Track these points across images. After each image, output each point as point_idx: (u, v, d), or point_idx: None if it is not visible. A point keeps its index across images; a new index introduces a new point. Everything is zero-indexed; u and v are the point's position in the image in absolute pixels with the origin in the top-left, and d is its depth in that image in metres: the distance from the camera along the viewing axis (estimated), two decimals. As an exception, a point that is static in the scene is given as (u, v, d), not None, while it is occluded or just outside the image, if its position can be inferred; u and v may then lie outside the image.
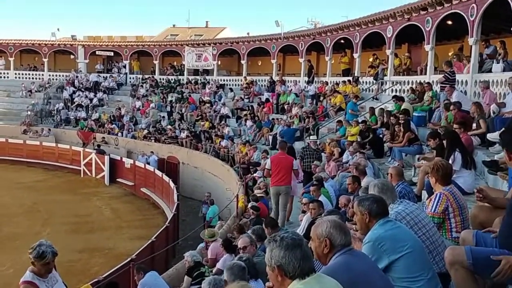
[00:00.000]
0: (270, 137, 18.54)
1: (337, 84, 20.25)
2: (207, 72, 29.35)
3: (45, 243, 4.26)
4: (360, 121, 13.71)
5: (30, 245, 13.79)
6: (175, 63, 31.24)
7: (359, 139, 12.56)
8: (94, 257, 14.20)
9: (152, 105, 26.77)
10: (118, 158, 22.87)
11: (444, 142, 7.07)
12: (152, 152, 22.41)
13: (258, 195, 12.21)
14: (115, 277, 9.79)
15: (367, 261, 3.01)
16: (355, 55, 20.14)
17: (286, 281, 2.37)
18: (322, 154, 13.13)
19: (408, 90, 15.22)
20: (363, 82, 19.60)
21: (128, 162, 22.30)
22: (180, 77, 29.90)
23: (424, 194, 6.74)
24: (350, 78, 19.68)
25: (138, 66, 32.47)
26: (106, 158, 22.50)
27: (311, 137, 13.91)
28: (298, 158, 12.42)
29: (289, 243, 2.39)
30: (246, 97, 24.62)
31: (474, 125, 8.74)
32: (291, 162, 9.68)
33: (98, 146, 24.10)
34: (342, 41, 21.39)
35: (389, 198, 4.03)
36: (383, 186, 4.16)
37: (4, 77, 32.74)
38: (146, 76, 30.95)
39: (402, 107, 12.73)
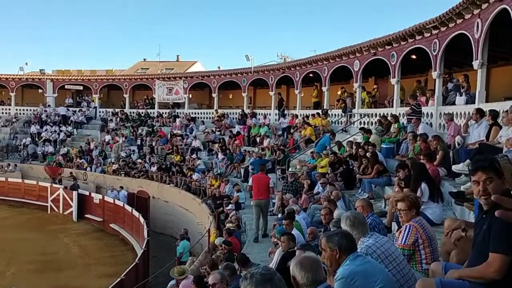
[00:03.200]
0: (242, 170, 18.55)
1: (307, 116, 20.55)
2: (178, 105, 29.38)
3: None
4: (329, 153, 13.88)
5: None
6: (146, 97, 31.14)
7: (329, 171, 12.68)
8: (62, 297, 13.73)
9: (118, 138, 26.44)
10: (87, 193, 22.38)
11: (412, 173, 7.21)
12: (121, 187, 22.04)
13: (231, 228, 12.10)
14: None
15: None
16: (324, 89, 20.54)
17: None
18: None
19: (375, 122, 15.55)
20: (332, 114, 19.95)
21: (97, 197, 21.84)
22: (150, 110, 29.81)
23: (394, 225, 6.81)
24: (320, 111, 19.99)
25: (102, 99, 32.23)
26: (74, 193, 21.99)
27: (290, 169, 14.00)
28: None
29: (258, 279, 2.39)
30: (217, 129, 24.69)
31: (437, 157, 8.95)
32: (268, 181, 11.90)
33: (74, 180, 23.63)
34: (311, 74, 21.83)
35: (360, 231, 4.04)
36: (355, 219, 4.14)
37: (-31, 111, 31.99)
38: (116, 110, 30.72)
39: (370, 139, 12.97)
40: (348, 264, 3.32)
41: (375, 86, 19.55)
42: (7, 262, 16.39)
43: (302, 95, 22.69)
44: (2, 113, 31.99)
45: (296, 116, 21.28)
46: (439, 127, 12.71)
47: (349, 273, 3.25)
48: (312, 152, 15.32)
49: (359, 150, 12.01)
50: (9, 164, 26.52)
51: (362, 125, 16.50)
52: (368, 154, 11.09)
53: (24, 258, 16.69)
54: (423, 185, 6.62)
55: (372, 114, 17.12)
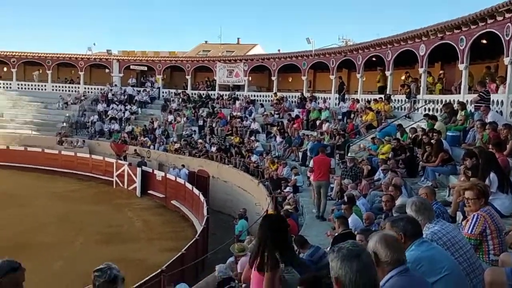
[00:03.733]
0: (300, 153, 18.59)
1: (369, 101, 20.20)
2: (238, 87, 29.71)
3: (114, 267, 3.81)
4: (391, 139, 13.64)
5: (62, 254, 14.08)
6: (207, 79, 31.71)
7: (390, 157, 12.49)
8: (125, 268, 14.34)
9: (181, 119, 27.18)
10: (150, 170, 23.28)
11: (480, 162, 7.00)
12: (183, 165, 22.74)
13: (289, 210, 12.26)
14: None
15: (425, 286, 2.88)
16: (387, 73, 20.08)
17: None
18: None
19: (441, 109, 15.07)
20: (395, 100, 19.50)
21: (159, 174, 22.68)
22: (211, 92, 30.34)
23: (459, 215, 6.68)
24: (382, 96, 19.60)
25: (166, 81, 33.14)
26: (138, 170, 22.94)
27: (349, 154, 13.91)
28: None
29: (345, 253, 2.30)
30: (276, 113, 24.78)
31: (507, 147, 8.61)
32: (329, 162, 12.33)
33: (142, 157, 24.69)
34: (374, 58, 21.38)
35: (426, 217, 3.95)
36: (421, 204, 4.02)
37: (42, 89, 33.89)
38: (179, 91, 31.52)
39: (435, 126, 12.61)
40: (414, 249, 3.27)
41: (441, 72, 18.88)
42: (76, 232, 17.34)
43: (364, 79, 22.29)
44: (72, 91, 33.64)
45: (357, 100, 20.95)
46: (510, 115, 12.16)
47: (414, 259, 3.20)
48: (373, 138, 15.11)
49: (424, 137, 11.72)
50: (77, 140, 27.98)
51: (426, 112, 16.04)
52: (432, 142, 10.81)
53: (91, 229, 17.61)
54: (492, 175, 6.41)
55: (437, 100, 16.59)
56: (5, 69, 34.06)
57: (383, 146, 13.82)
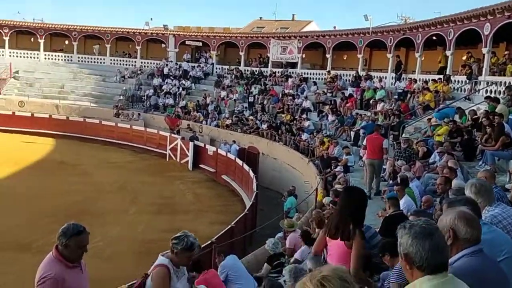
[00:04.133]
0: (352, 133, 18.31)
1: (426, 82, 19.52)
2: (291, 65, 29.47)
3: (191, 235, 3.94)
4: (449, 120, 13.18)
5: (119, 221, 14.73)
6: (260, 55, 31.63)
7: (443, 140, 12.09)
8: (175, 238, 14.89)
9: (233, 96, 27.38)
10: (202, 145, 23.70)
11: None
12: (234, 141, 22.99)
13: (338, 189, 12.16)
14: (196, 257, 10.19)
15: (499, 269, 2.78)
16: (448, 53, 19.29)
17: (415, 271, 2.25)
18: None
19: (503, 92, 14.36)
20: (455, 81, 18.74)
21: (211, 149, 23.06)
22: (264, 69, 30.28)
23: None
24: (442, 76, 18.87)
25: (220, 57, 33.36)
26: (191, 144, 23.42)
27: (403, 135, 13.58)
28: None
29: (417, 231, 2.25)
30: (329, 91, 24.44)
31: None
32: (381, 141, 12.05)
33: (193, 132, 25.24)
34: (434, 37, 20.55)
35: (486, 200, 3.84)
36: (481, 186, 3.89)
37: (101, 62, 34.98)
38: (232, 67, 31.67)
39: (497, 109, 12.05)
40: None
41: (506, 52, 17.91)
42: (131, 201, 18.06)
43: (423, 58, 21.51)
44: (129, 65, 34.52)
45: (415, 80, 20.27)
46: None
47: None
48: (429, 119, 14.64)
49: (484, 119, 11.23)
50: (133, 113, 28.81)
51: (488, 94, 15.33)
52: (494, 124, 10.35)
53: (144, 199, 18.26)
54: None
55: (500, 82, 15.81)
56: (66, 42, 35.29)
57: (440, 128, 13.37)
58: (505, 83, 15.29)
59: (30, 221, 14.79)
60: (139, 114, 28.72)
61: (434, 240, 2.23)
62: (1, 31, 33.69)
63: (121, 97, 30.54)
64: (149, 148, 25.99)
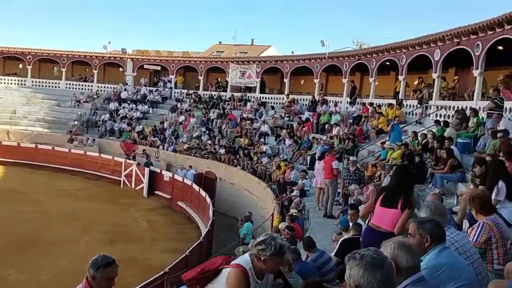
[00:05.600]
0: (309, 157, 18.35)
1: (379, 106, 19.91)
2: (249, 89, 29.56)
3: (277, 235, 3.38)
4: (402, 144, 13.38)
5: (69, 251, 14.01)
6: (218, 79, 31.63)
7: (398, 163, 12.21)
8: (128, 267, 14.32)
9: (193, 120, 27.17)
10: (158, 170, 23.21)
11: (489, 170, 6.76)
12: (190, 166, 22.64)
13: (294, 214, 12.04)
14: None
15: None
16: (400, 78, 19.78)
17: None
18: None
19: (453, 116, 14.75)
20: (407, 105, 19.18)
21: (167, 175, 22.60)
22: (223, 93, 30.24)
23: (466, 223, 6.43)
24: (394, 100, 19.29)
25: (181, 81, 33.11)
26: (146, 170, 22.89)
27: (351, 158, 13.67)
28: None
29: (369, 262, 2.20)
30: (286, 115, 24.57)
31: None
32: (331, 162, 12.38)
33: (148, 157, 24.68)
34: (387, 63, 21.07)
35: (440, 222, 3.82)
36: (436, 209, 3.90)
37: (56, 87, 34.07)
38: (190, 91, 31.47)
39: (446, 133, 12.32)
40: (435, 254, 3.17)
41: (455, 78, 18.52)
42: (82, 230, 17.35)
43: (377, 83, 21.99)
44: (85, 89, 33.79)
45: (371, 104, 20.64)
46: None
47: (435, 264, 3.10)
48: (383, 143, 14.83)
49: (434, 143, 11.43)
50: (88, 138, 28.07)
51: (438, 118, 15.72)
52: (444, 147, 10.53)
53: (97, 228, 17.58)
54: (501, 183, 6.17)
55: (449, 106, 16.26)
56: (20, 66, 34.32)
57: (393, 152, 13.54)
58: (454, 107, 15.72)
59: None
60: (94, 139, 27.99)
61: (384, 270, 2.19)
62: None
63: (76, 122, 29.74)
64: (103, 174, 25.26)
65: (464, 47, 15.68)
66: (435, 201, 5.22)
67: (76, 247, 15.74)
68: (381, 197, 5.34)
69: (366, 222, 5.93)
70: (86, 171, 25.74)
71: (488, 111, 12.07)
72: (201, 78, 31.46)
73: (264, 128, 23.73)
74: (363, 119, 19.67)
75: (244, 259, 3.34)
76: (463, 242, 3.71)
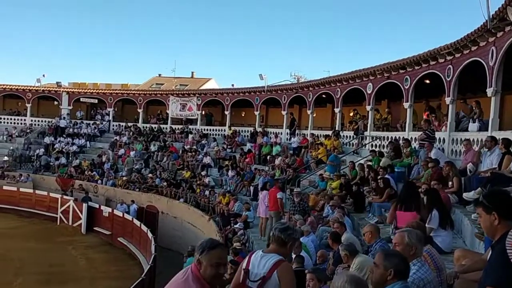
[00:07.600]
0: (252, 188, 18.50)
1: (318, 137, 20.54)
2: (190, 121, 29.55)
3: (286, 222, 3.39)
4: (340, 174, 13.84)
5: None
6: (159, 112, 31.39)
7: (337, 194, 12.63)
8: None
9: (132, 153, 26.68)
10: (97, 206, 22.45)
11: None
12: (132, 201, 22.10)
13: (237, 248, 12.05)
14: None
15: None
16: (336, 110, 20.55)
17: None
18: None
19: (387, 146, 15.47)
20: (344, 136, 19.90)
21: (106, 210, 21.88)
22: (163, 125, 30.01)
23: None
24: (331, 132, 19.98)
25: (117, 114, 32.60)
26: (84, 206, 22.08)
27: (295, 189, 13.95)
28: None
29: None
30: (228, 147, 24.73)
31: (449, 183, 8.87)
32: (275, 194, 13.21)
33: (86, 192, 23.85)
34: (324, 95, 21.86)
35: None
36: (417, 235, 3.86)
37: (-15, 121, 32.46)
38: (130, 124, 30.97)
39: (381, 163, 12.89)
40: None
41: (388, 109, 19.50)
42: (15, 272, 16.40)
43: (315, 115, 22.72)
44: (18, 123, 32.42)
45: (312, 135, 21.25)
46: (451, 153, 12.61)
47: None
48: (321, 175, 15.27)
49: (371, 173, 11.93)
50: (21, 174, 26.79)
51: (373, 148, 16.43)
52: (380, 177, 11.01)
53: (31, 269, 16.69)
54: (434, 211, 6.56)
55: (383, 137, 17.05)
56: None
57: (333, 182, 13.95)
58: (388, 137, 16.51)
59: None
60: (28, 175, 26.75)
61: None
62: None
63: (8, 157, 28.35)
64: (38, 211, 24.05)
65: (394, 81, 16.61)
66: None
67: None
68: (399, 205, 7.51)
69: (392, 226, 8.01)
70: (19, 208, 24.45)
71: (420, 141, 12.78)
72: (140, 110, 31.05)
73: (207, 160, 23.71)
74: (303, 150, 20.18)
75: (279, 256, 3.62)
76: (428, 280, 3.71)
